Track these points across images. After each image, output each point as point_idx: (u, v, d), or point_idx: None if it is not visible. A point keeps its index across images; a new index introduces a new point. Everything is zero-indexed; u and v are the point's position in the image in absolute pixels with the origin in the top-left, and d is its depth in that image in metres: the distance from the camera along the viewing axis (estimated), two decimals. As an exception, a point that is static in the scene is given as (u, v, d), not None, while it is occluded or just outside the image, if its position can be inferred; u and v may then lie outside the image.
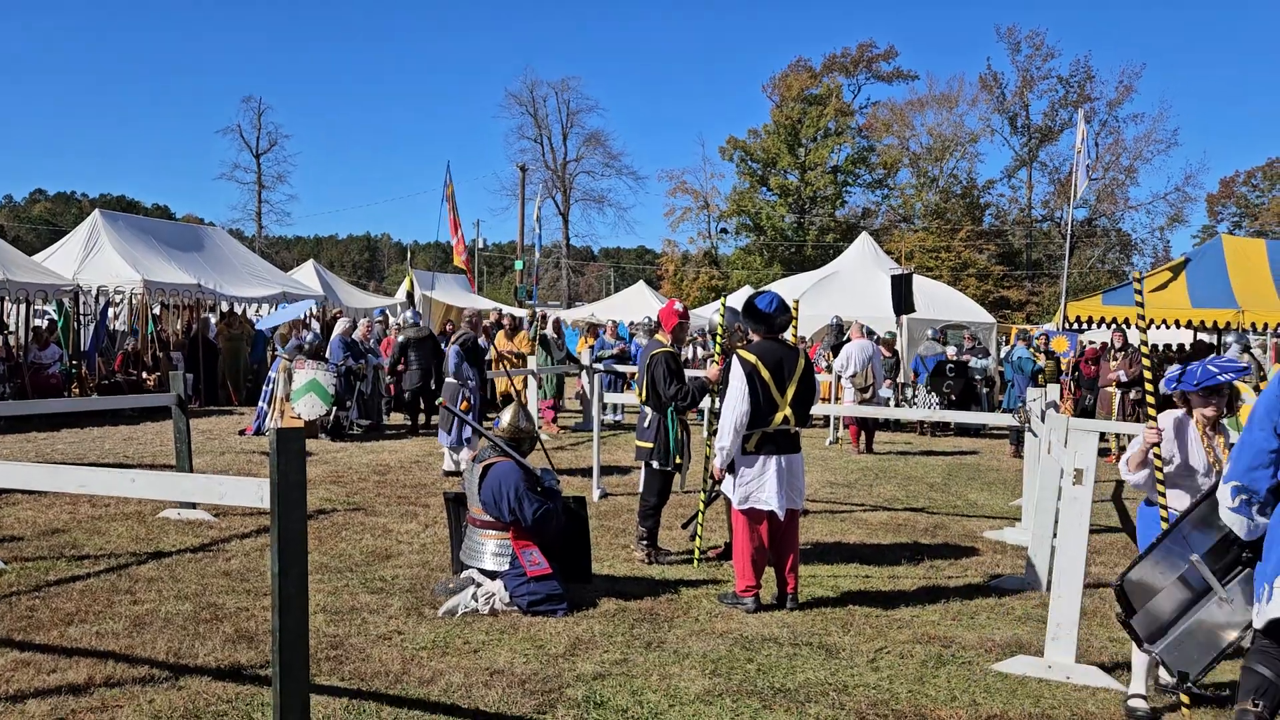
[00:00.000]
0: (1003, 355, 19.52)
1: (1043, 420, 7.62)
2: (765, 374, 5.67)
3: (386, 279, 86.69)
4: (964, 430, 16.19)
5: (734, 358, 5.76)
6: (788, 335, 6.21)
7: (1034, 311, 46.43)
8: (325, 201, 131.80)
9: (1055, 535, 6.59)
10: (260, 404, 13.43)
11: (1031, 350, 15.28)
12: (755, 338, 5.92)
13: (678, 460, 7.00)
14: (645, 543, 6.95)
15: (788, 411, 5.72)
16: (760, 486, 5.70)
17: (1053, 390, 8.53)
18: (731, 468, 5.79)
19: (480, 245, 65.21)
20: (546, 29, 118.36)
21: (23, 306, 16.42)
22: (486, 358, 13.30)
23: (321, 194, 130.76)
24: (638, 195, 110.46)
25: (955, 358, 16.78)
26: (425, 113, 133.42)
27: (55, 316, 17.22)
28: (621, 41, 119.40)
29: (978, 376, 16.64)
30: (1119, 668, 4.98)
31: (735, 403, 5.63)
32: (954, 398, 16.15)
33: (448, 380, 10.88)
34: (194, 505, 7.92)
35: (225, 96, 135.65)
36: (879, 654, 5.06)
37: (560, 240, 59.15)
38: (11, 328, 17.17)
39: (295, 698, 3.23)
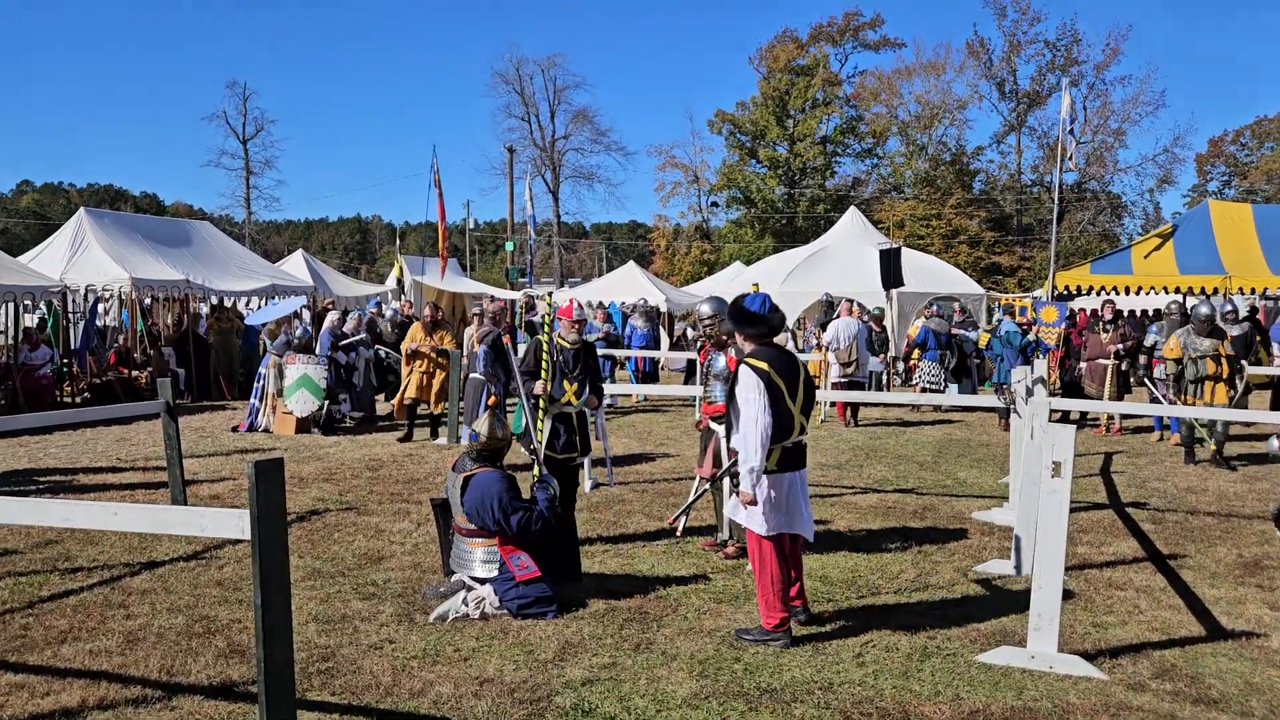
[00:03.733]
0: (990, 327, 19.58)
1: (1027, 400, 7.67)
2: (779, 381, 5.20)
3: (379, 260, 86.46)
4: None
5: (743, 368, 5.24)
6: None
7: (1026, 277, 46.45)
8: (314, 185, 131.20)
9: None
10: (252, 400, 13.45)
11: (1019, 323, 15.30)
12: (751, 344, 5.44)
13: (532, 446, 7.19)
14: None
15: (801, 420, 5.30)
16: (792, 509, 5.25)
17: (1040, 367, 8.52)
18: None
19: (470, 225, 65.09)
20: (531, 5, 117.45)
21: (10, 307, 16.36)
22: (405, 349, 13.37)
23: (310, 178, 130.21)
24: (627, 171, 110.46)
25: (949, 331, 16.82)
26: (412, 93, 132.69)
27: (45, 315, 17.20)
28: (607, 17, 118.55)
29: (969, 350, 16.67)
30: (1101, 655, 5.06)
31: (758, 416, 5.07)
32: (932, 373, 16.19)
33: (473, 376, 11.02)
34: (185, 501, 8.01)
35: (210, 82, 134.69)
36: (865, 648, 5.13)
37: (551, 218, 58.93)
38: (1, 328, 17.15)
39: (283, 725, 3.28)
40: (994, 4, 49.88)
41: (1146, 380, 12.85)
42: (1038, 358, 12.61)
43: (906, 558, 6.98)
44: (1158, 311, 21.86)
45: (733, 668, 4.85)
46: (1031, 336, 15.00)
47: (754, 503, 5.18)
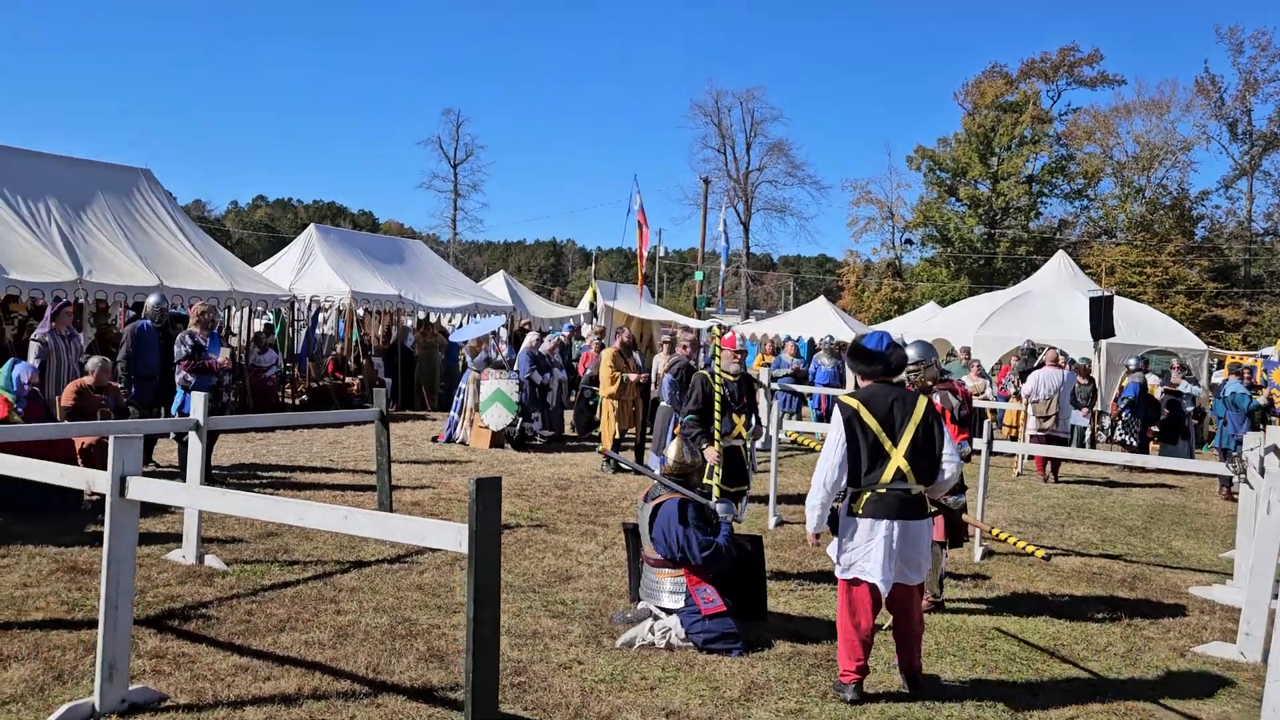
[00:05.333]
0: (1213, 385, 18.11)
1: (1261, 472, 7.03)
2: (870, 420, 4.92)
3: (570, 284, 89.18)
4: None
5: (835, 405, 5.13)
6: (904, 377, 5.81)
7: (1252, 333, 42.81)
8: (514, 208, 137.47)
9: (1276, 598, 6.09)
10: (452, 414, 14.13)
11: (1246, 384, 14.08)
12: (865, 382, 5.23)
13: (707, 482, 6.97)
14: None
15: (903, 465, 4.89)
16: (865, 555, 4.91)
17: (1274, 433, 7.80)
18: (836, 528, 5.09)
19: (661, 253, 66.24)
20: (731, 39, 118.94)
21: (246, 312, 17.87)
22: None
23: (511, 201, 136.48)
24: (820, 205, 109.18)
25: (1163, 387, 15.72)
26: (609, 121, 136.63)
27: (272, 322, 18.67)
28: (807, 50, 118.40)
29: (1188, 407, 15.47)
30: (1347, 763, 4.54)
31: (826, 454, 4.94)
32: (1148, 434, 15.08)
33: (662, 405, 11.19)
34: (391, 506, 8.44)
35: (425, 109, 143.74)
36: (1069, 724, 4.82)
37: (740, 249, 59.10)
38: (235, 331, 18.75)
39: (485, 736, 3.39)
40: (1229, 40, 46.60)
41: None
42: (1270, 422, 11.58)
43: (1115, 629, 6.52)
44: None
45: (925, 728, 4.66)
46: (1261, 399, 13.79)
47: (816, 542, 5.14)
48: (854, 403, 5.00)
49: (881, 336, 5.28)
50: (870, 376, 5.19)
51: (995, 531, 6.25)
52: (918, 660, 5.11)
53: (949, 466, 5.03)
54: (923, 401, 5.08)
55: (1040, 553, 5.75)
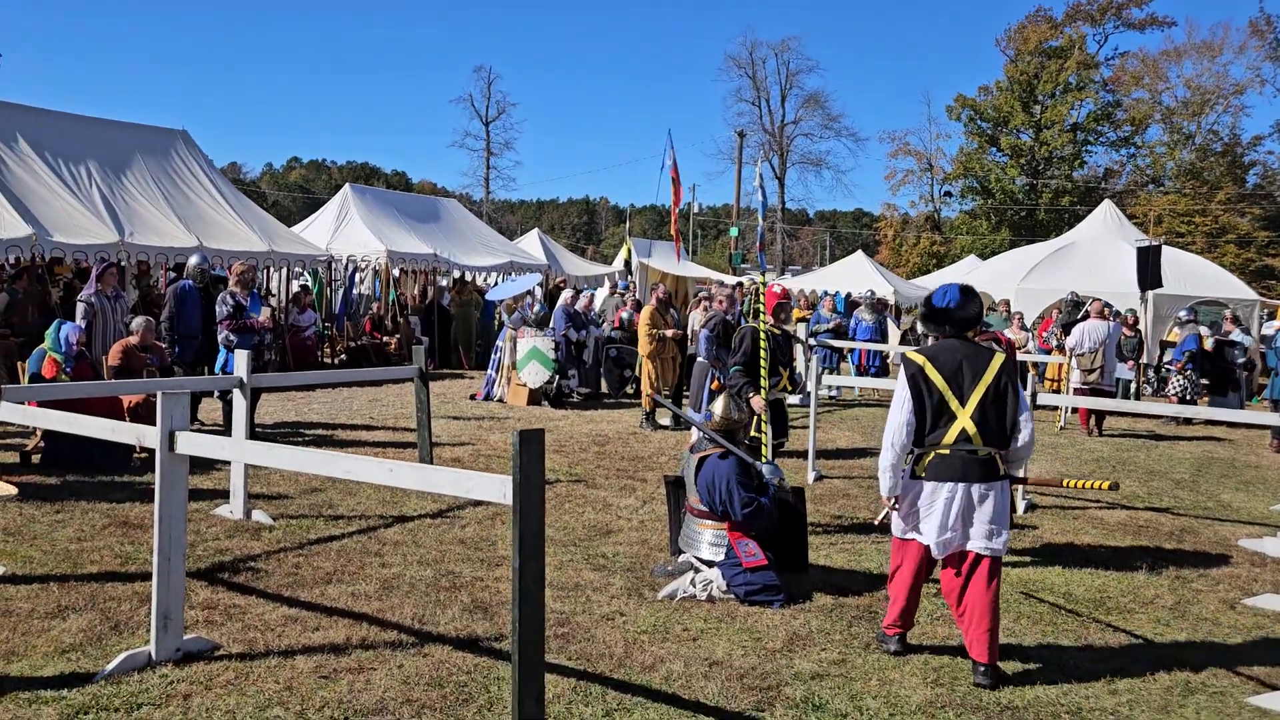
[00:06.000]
0: (1263, 335, 17.73)
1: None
2: (936, 378, 4.65)
3: (603, 242, 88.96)
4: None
5: (901, 361, 4.91)
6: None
7: (1304, 282, 41.80)
8: (547, 166, 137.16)
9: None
10: (489, 372, 14.20)
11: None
12: (934, 339, 5.01)
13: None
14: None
15: (968, 425, 4.61)
16: (925, 517, 4.72)
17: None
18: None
19: (695, 209, 65.78)
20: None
21: (285, 272, 18.01)
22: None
23: (543, 158, 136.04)
24: (857, 158, 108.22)
25: (1214, 337, 15.43)
26: (640, 77, 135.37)
27: (309, 283, 18.82)
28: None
29: (1239, 359, 15.15)
30: (1403, 714, 4.47)
31: (893, 414, 4.72)
32: (1197, 384, 14.83)
33: (699, 360, 11.17)
34: (432, 462, 8.51)
35: (456, 66, 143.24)
36: (1117, 675, 4.77)
37: (776, 204, 58.56)
38: (273, 291, 18.93)
39: (532, 684, 3.42)
40: (1284, -22, 44.95)
41: None
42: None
43: (1162, 582, 6.44)
44: None
45: (969, 678, 4.63)
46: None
47: (894, 508, 4.83)
48: (919, 359, 4.74)
49: (946, 290, 4.92)
50: (939, 335, 4.92)
51: (1066, 482, 6.07)
52: (987, 652, 4.57)
53: (1024, 431, 4.71)
54: (998, 359, 4.73)
55: (1105, 484, 5.58)
